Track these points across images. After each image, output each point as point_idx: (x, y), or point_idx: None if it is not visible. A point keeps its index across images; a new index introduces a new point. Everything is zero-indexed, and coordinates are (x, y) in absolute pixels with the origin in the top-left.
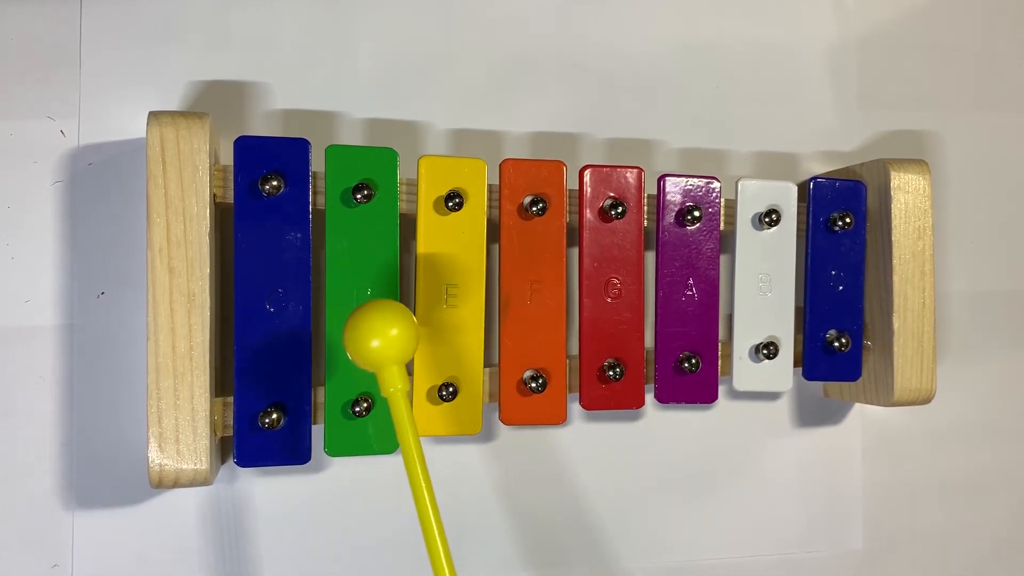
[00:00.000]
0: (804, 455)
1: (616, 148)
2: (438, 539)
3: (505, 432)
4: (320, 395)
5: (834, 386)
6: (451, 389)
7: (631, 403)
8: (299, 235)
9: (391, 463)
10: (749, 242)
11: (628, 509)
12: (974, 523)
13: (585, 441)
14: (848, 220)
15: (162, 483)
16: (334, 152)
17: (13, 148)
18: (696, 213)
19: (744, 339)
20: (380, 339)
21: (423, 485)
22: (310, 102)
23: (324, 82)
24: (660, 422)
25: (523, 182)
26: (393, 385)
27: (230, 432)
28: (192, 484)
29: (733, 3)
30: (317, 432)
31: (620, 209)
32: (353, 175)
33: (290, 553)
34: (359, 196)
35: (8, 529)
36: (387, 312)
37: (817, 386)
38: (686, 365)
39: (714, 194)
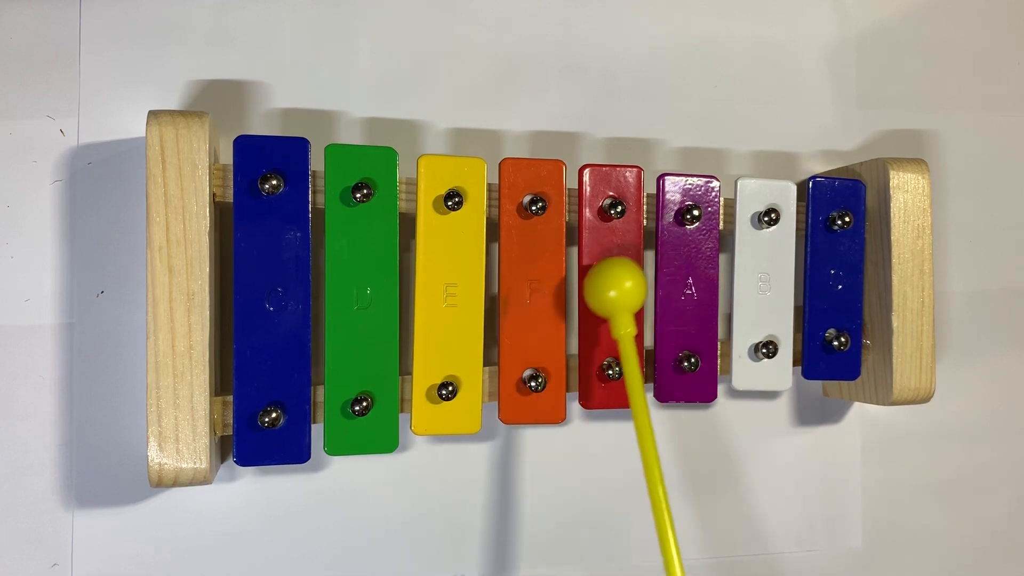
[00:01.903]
0: (803, 454)
1: (615, 147)
2: (657, 469)
3: (505, 431)
4: (320, 394)
5: (833, 385)
6: (451, 388)
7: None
8: (298, 234)
9: (391, 462)
10: (748, 241)
11: (628, 508)
12: (973, 522)
13: (584, 440)
14: (847, 219)
15: (162, 482)
16: (334, 151)
17: (13, 147)
18: (695, 212)
19: (743, 338)
20: (616, 289)
21: (647, 420)
22: (310, 101)
23: (324, 81)
24: (659, 421)
25: (522, 181)
26: (624, 328)
27: (230, 431)
28: (192, 483)
29: (733, 3)
30: (317, 431)
31: (619, 208)
32: (353, 174)
33: (290, 552)
34: (359, 195)
35: (8, 528)
36: (624, 268)
37: (816, 385)
38: (685, 364)
39: (713, 193)
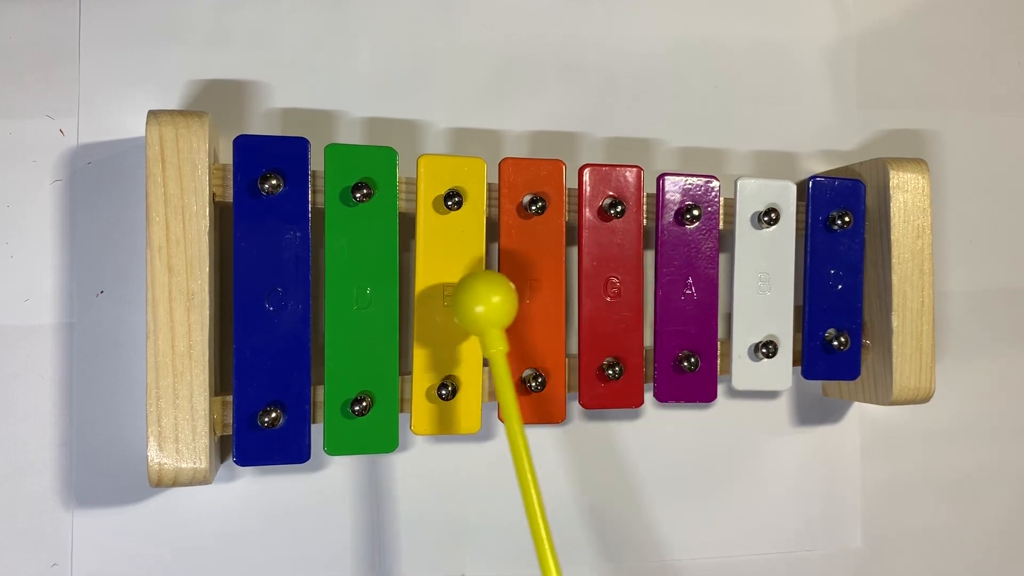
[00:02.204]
0: (803, 454)
1: (615, 147)
2: (534, 494)
3: (505, 431)
4: (319, 394)
5: (833, 385)
6: (450, 388)
7: (630, 402)
8: (298, 234)
9: (390, 462)
10: (748, 241)
11: (627, 508)
12: (973, 521)
13: (584, 440)
14: (847, 219)
15: (161, 482)
16: (333, 151)
17: (12, 147)
18: (695, 212)
19: (743, 338)
20: (484, 305)
21: (520, 439)
22: (309, 101)
23: (323, 81)
24: (659, 421)
25: (522, 181)
26: (495, 347)
27: (229, 431)
28: (191, 483)
29: (733, 2)
30: (316, 431)
31: (619, 208)
32: (352, 174)
33: (289, 552)
34: (358, 195)
35: (8, 528)
36: (491, 281)
37: (816, 385)
38: (685, 364)
39: (713, 193)
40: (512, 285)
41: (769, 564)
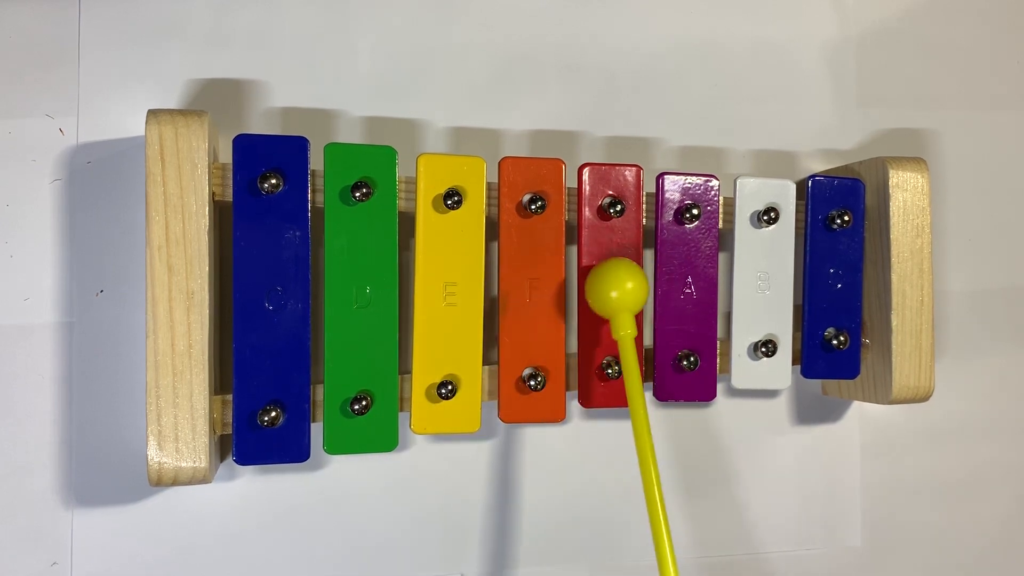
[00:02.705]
0: (803, 453)
1: (615, 146)
2: (654, 479)
3: (504, 430)
4: (319, 393)
5: (832, 384)
6: (450, 387)
7: None
8: (298, 233)
9: (390, 461)
10: (748, 240)
11: (627, 507)
12: (972, 520)
13: (584, 439)
14: (847, 218)
15: (161, 481)
16: (333, 150)
17: (12, 146)
18: (695, 211)
19: (743, 337)
20: (618, 290)
21: (645, 422)
22: (309, 100)
23: (323, 80)
24: (659, 420)
25: (522, 180)
26: (624, 329)
27: (229, 430)
28: (191, 482)
29: (732, 2)
30: (316, 430)
31: (619, 207)
32: (352, 173)
33: (289, 551)
34: (358, 194)
35: (7, 527)
36: (626, 268)
37: (816, 384)
38: (685, 363)
39: (713, 192)
40: (643, 273)
41: (768, 563)
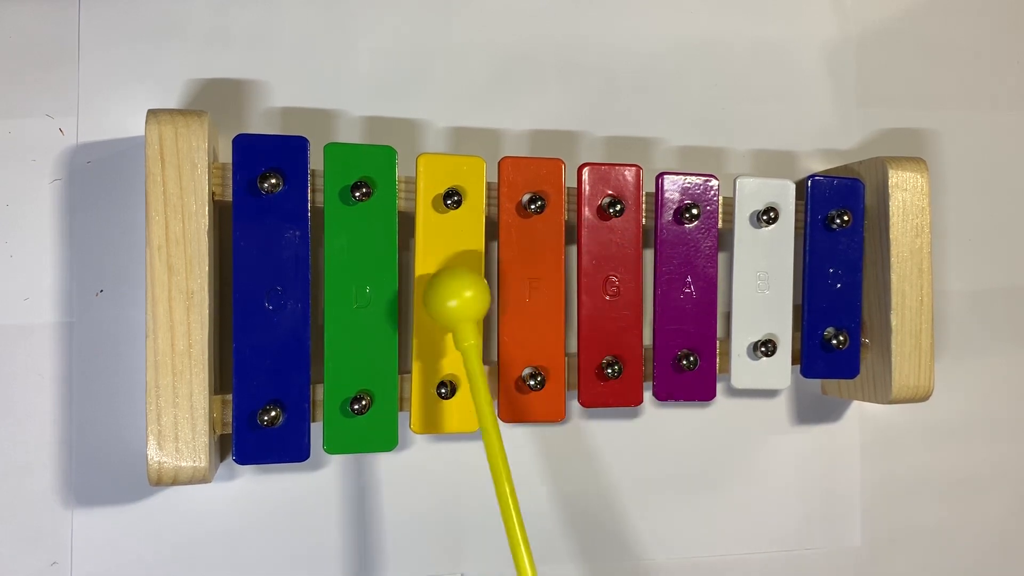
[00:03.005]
0: (802, 452)
1: (614, 146)
2: (508, 490)
3: (504, 430)
4: (319, 392)
5: (832, 383)
6: (450, 387)
7: (629, 401)
8: (298, 233)
9: (390, 460)
10: (747, 240)
11: (626, 506)
12: (972, 520)
13: (584, 439)
14: (846, 218)
15: (161, 481)
16: (333, 150)
17: (12, 146)
18: (694, 211)
19: (742, 337)
20: (456, 299)
21: (494, 433)
22: (309, 100)
23: (323, 80)
24: (658, 420)
25: (522, 180)
26: (467, 340)
27: (229, 430)
28: (191, 482)
29: (732, 2)
30: (316, 430)
31: (619, 207)
32: (352, 173)
33: (289, 551)
34: (358, 194)
35: (7, 526)
36: (462, 276)
37: (815, 383)
38: (684, 363)
39: (712, 192)
40: (483, 280)
41: (768, 562)
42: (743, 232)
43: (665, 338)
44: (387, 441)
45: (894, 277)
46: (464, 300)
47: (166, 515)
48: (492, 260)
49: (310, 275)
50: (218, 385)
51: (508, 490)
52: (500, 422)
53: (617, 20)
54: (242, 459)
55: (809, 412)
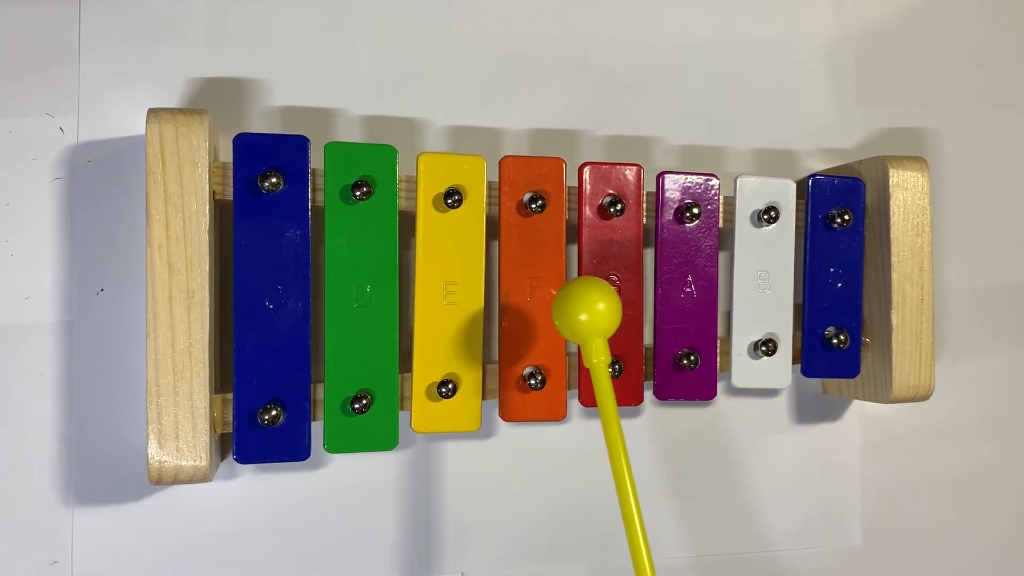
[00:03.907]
0: (803, 451)
1: (615, 145)
2: (634, 508)
3: (505, 429)
4: (319, 392)
5: (833, 383)
6: (450, 386)
7: (630, 400)
8: (298, 232)
9: (390, 460)
10: (748, 239)
11: None
12: (972, 519)
13: (584, 438)
14: (847, 217)
15: (161, 480)
16: (333, 149)
17: (12, 145)
18: (695, 210)
19: (743, 336)
20: (588, 313)
21: (621, 451)
22: (309, 99)
23: (323, 79)
24: (659, 419)
25: (522, 179)
26: (597, 356)
27: (230, 429)
28: (192, 481)
29: (732, 1)
30: (316, 429)
31: (619, 206)
32: (352, 172)
33: (289, 550)
34: (358, 193)
35: (7, 525)
36: (595, 288)
37: (816, 383)
38: (685, 362)
39: (713, 191)
40: (615, 293)
41: (768, 562)
42: (744, 231)
43: (666, 337)
44: (387, 440)
45: (895, 276)
46: (596, 313)
47: (166, 514)
48: (493, 260)
49: (310, 274)
50: (218, 384)
51: (637, 521)
52: (501, 421)
53: (617, 19)
54: (242, 458)
55: (809, 411)
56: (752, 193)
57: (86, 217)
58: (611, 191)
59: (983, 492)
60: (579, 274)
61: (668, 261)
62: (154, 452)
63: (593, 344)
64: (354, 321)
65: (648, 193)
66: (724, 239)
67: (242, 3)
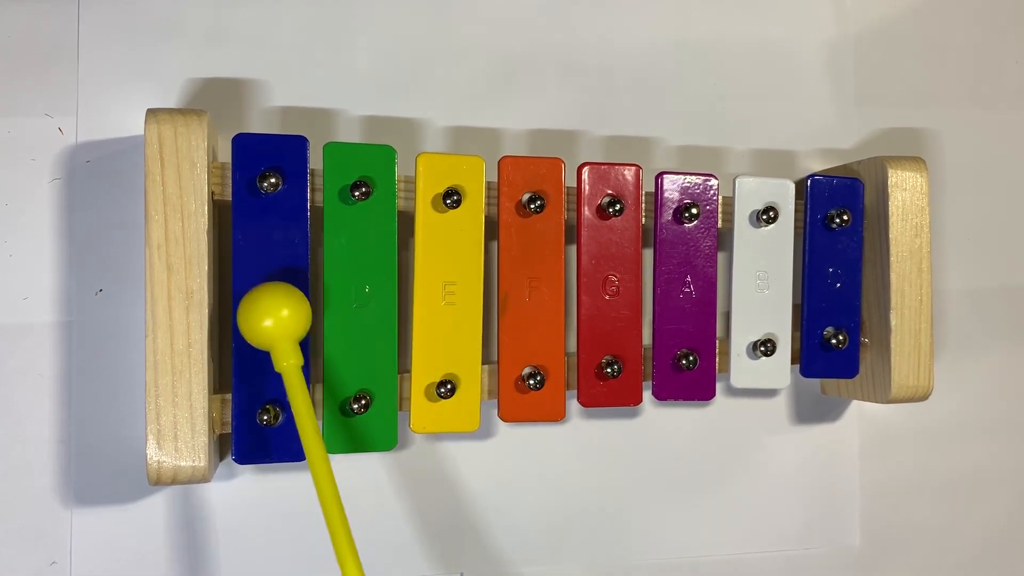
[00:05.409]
0: (802, 452)
1: (614, 145)
2: (337, 511)
3: (504, 429)
4: (318, 392)
5: (831, 383)
6: (449, 386)
7: (629, 400)
8: (297, 232)
9: (390, 460)
10: (747, 239)
11: (626, 506)
12: (971, 519)
13: (583, 438)
14: (846, 217)
15: (160, 480)
16: (332, 149)
17: (11, 145)
18: (694, 210)
19: (742, 336)
20: (273, 318)
21: (318, 455)
22: (308, 99)
23: (322, 79)
24: (658, 419)
25: (521, 179)
26: (287, 359)
27: (228, 429)
28: (190, 481)
29: (732, 1)
30: None
31: (618, 207)
32: (351, 172)
33: (289, 550)
34: (357, 193)
35: (6, 526)
36: (279, 294)
37: (814, 383)
38: (684, 362)
39: (712, 191)
40: (302, 296)
41: (767, 562)
42: (742, 232)
43: (664, 338)
44: (386, 441)
45: (893, 276)
46: (280, 319)
47: (165, 515)
48: (492, 260)
49: (309, 275)
50: (217, 384)
51: (337, 515)
52: (501, 422)
53: (617, 19)
54: (241, 459)
55: (808, 412)
56: (751, 193)
57: (85, 217)
58: (610, 191)
59: (982, 492)
60: (578, 274)
61: (667, 261)
62: (153, 452)
63: (280, 347)
64: (353, 321)
65: (647, 193)
66: (723, 239)
67: (242, 3)
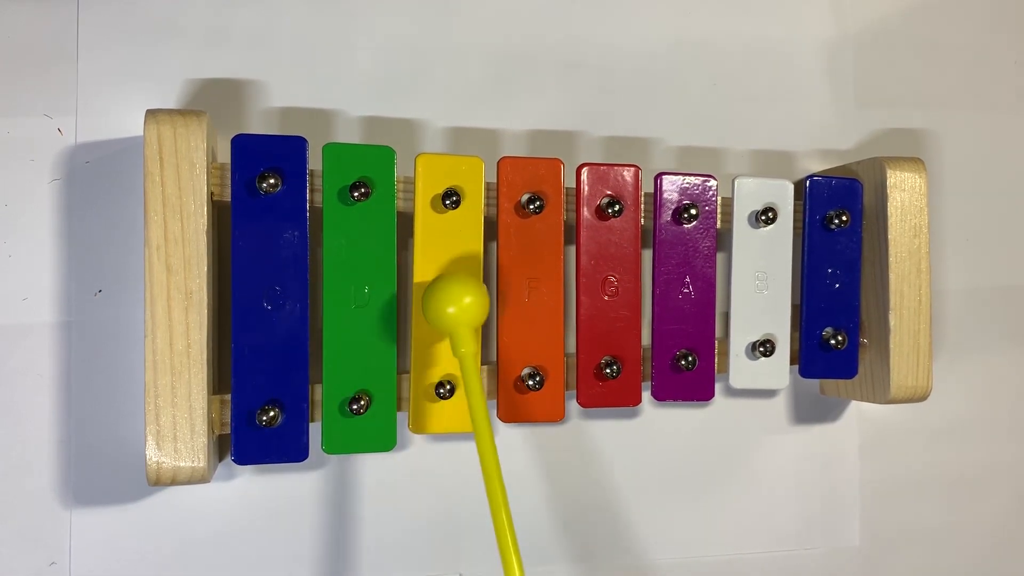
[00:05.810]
0: (801, 452)
1: (613, 146)
2: (500, 497)
3: (503, 430)
4: (318, 392)
5: (831, 383)
6: (449, 387)
7: (628, 401)
8: (296, 233)
9: (389, 460)
10: (746, 240)
11: (625, 506)
12: (970, 519)
13: (582, 439)
14: (844, 218)
15: (160, 480)
16: (331, 150)
17: (10, 146)
18: (693, 211)
19: (741, 337)
20: (455, 306)
21: (488, 439)
22: (307, 100)
23: (321, 80)
24: (657, 420)
25: (520, 180)
26: (464, 346)
27: (228, 430)
28: (190, 482)
29: (730, 1)
30: (315, 430)
31: (617, 207)
32: (350, 173)
33: (288, 551)
34: (356, 194)
35: (6, 526)
36: (463, 283)
37: (813, 383)
38: (683, 363)
39: (711, 192)
40: (483, 287)
41: (767, 562)
42: (742, 232)
43: (664, 338)
44: (386, 441)
45: (892, 277)
46: (462, 306)
47: (165, 515)
48: (491, 260)
49: (308, 275)
50: (217, 385)
51: (501, 499)
52: (500, 423)
53: (616, 20)
54: (241, 459)
55: (808, 412)
56: (750, 194)
57: (84, 218)
58: (609, 192)
59: (981, 492)
60: (578, 275)
61: (666, 262)
62: (152, 453)
63: (460, 334)
64: (352, 322)
65: (646, 194)
66: (722, 240)
67: (241, 3)
